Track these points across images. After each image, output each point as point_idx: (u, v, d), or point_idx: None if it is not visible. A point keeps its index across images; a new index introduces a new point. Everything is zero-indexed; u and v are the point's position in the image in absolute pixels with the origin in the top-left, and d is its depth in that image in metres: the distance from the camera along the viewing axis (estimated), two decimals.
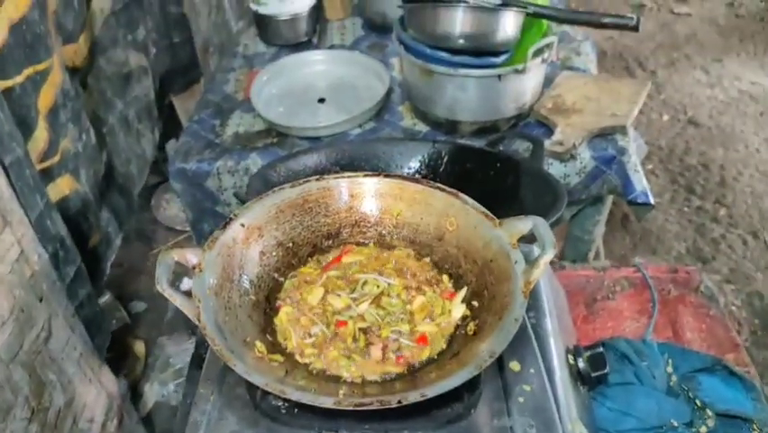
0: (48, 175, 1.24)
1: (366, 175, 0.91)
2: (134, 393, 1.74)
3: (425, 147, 1.25)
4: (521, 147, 1.55)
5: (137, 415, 1.50)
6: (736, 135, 2.77)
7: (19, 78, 1.12)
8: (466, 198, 0.86)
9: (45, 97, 1.20)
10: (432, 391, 0.65)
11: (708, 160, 2.65)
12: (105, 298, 1.93)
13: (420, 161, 1.23)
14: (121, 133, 1.65)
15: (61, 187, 1.29)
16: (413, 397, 0.65)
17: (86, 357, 1.27)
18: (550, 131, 1.58)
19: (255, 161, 1.59)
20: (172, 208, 2.35)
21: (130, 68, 1.70)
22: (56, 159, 1.25)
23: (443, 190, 0.88)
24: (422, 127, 1.67)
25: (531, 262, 0.76)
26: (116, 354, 1.81)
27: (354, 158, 1.24)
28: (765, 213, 2.40)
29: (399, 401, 0.64)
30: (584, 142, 1.54)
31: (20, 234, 1.09)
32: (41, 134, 1.20)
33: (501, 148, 1.53)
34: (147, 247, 2.32)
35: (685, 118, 2.90)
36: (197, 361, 0.99)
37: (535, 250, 0.89)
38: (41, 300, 1.14)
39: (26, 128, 1.15)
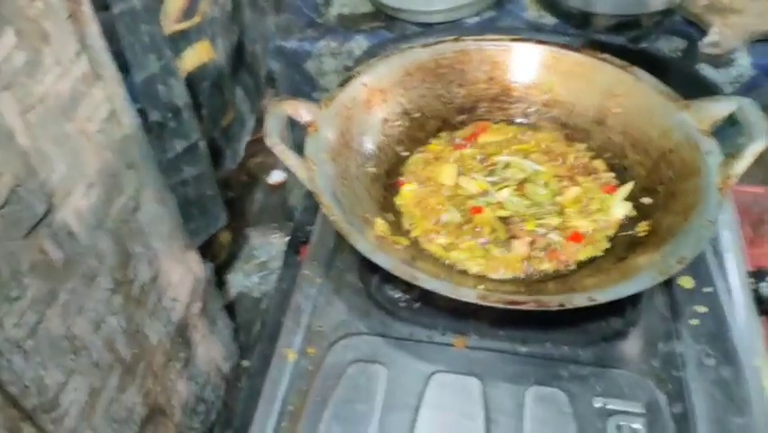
0: (185, 38, 1.12)
1: (513, 39, 0.75)
2: (217, 281, 1.69)
3: None
4: (667, 47, 1.35)
5: (221, 302, 1.45)
6: None
7: None
8: (642, 72, 0.69)
9: None
10: (604, 297, 0.51)
11: None
12: None
13: None
14: (247, 9, 1.51)
15: (200, 53, 1.16)
16: (579, 300, 0.51)
17: (175, 235, 1.20)
18: (701, 33, 1.35)
19: (360, 44, 1.44)
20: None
21: None
22: (196, 20, 1.12)
23: (611, 63, 0.71)
24: (549, 20, 1.47)
25: (732, 153, 0.59)
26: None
27: None
28: None
29: (561, 304, 0.51)
30: (744, 47, 1.31)
31: (111, 90, 1.00)
32: None
33: (644, 46, 1.34)
34: None
35: None
36: (295, 245, 0.89)
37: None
38: (130, 168, 1.05)
39: None
